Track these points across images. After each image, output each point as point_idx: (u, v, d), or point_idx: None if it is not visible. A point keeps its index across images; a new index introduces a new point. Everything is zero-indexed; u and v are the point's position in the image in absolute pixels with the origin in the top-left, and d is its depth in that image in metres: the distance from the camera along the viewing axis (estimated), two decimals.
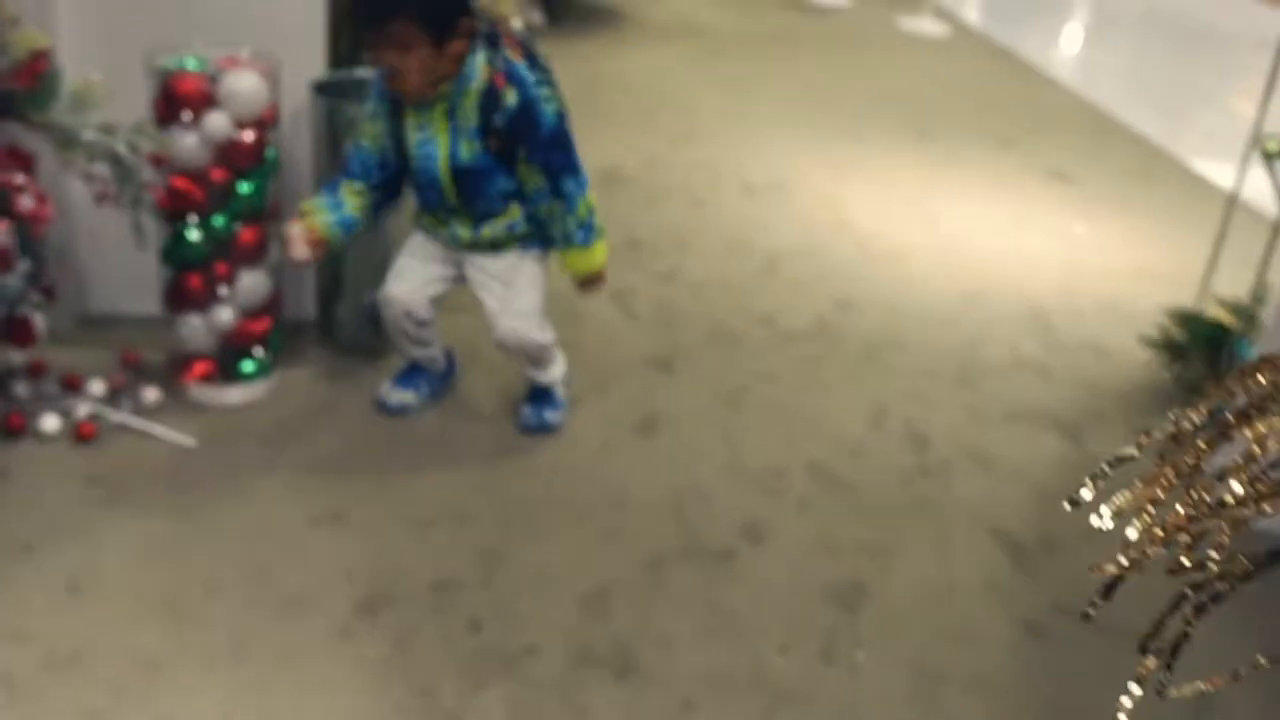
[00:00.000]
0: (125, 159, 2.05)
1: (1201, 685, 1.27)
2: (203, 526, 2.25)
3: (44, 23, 2.49)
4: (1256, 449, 1.16)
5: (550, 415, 2.68)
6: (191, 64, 2.41)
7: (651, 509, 2.44)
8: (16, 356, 2.52)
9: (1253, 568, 1.20)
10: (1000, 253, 3.97)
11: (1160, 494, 1.17)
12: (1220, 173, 5.02)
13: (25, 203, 2.01)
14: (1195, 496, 1.16)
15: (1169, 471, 1.19)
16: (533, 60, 2.31)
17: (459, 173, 2.33)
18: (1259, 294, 2.97)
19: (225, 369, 2.63)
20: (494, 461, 2.55)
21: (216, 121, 2.36)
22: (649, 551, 2.31)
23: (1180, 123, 6.05)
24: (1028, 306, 3.59)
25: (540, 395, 2.70)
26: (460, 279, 2.56)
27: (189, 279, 2.52)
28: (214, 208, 2.46)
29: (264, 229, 2.55)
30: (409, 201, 2.56)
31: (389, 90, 2.31)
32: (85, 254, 2.80)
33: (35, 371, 2.58)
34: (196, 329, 2.56)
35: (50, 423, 2.45)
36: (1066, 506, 1.24)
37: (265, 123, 2.45)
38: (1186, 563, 1.18)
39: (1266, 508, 1.13)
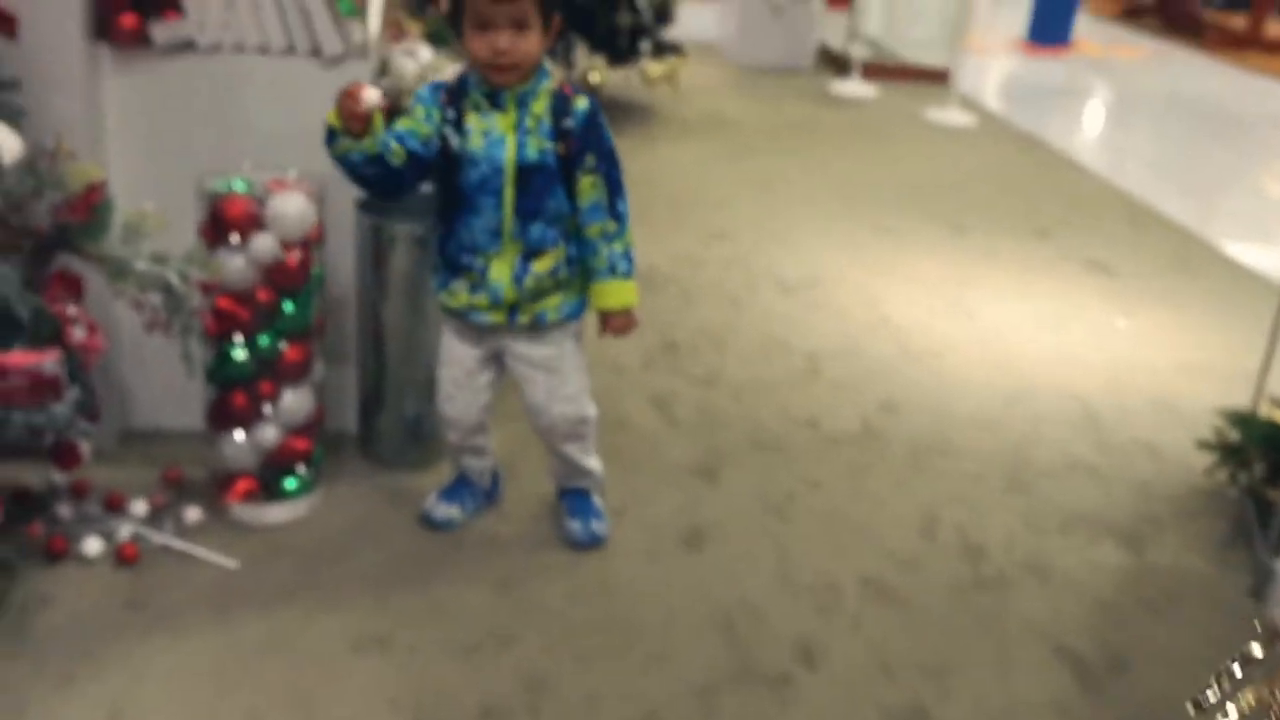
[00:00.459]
0: (176, 288, 2.05)
1: None
2: (245, 653, 2.21)
3: (96, 150, 2.54)
4: None
5: (598, 527, 2.64)
6: (239, 186, 2.43)
7: (701, 629, 2.39)
8: (60, 477, 2.51)
9: None
10: (1042, 348, 3.93)
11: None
12: (1254, 255, 4.99)
13: (77, 334, 2.01)
14: None
15: None
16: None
17: (525, 171, 2.27)
18: None
19: (268, 487, 2.61)
20: (539, 579, 2.50)
21: (263, 243, 2.37)
22: (700, 676, 2.25)
23: (1211, 206, 6.04)
24: (1075, 405, 3.53)
25: (583, 506, 2.66)
26: (503, 373, 2.54)
27: (233, 397, 2.52)
28: (259, 327, 2.46)
29: (308, 347, 2.54)
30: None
31: (453, 91, 2.29)
32: (129, 369, 2.81)
33: (78, 491, 2.56)
34: (240, 447, 2.55)
35: (93, 546, 2.43)
36: (1190, 710, 1.18)
37: (311, 242, 2.45)
38: None
39: None
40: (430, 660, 2.23)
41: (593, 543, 2.62)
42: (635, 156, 5.47)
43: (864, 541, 2.74)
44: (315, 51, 2.58)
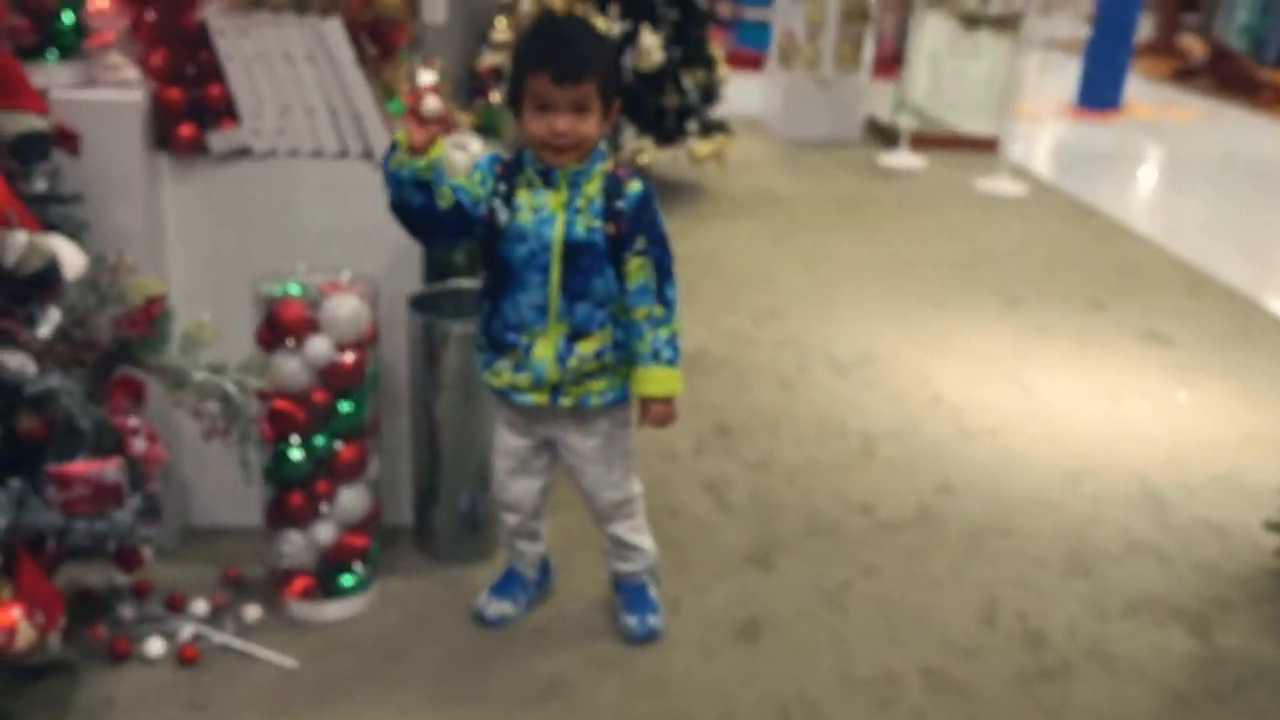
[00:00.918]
0: (234, 398, 2.09)
1: None
2: None
3: (155, 256, 2.61)
4: None
5: (654, 621, 2.62)
6: (294, 290, 2.48)
7: None
8: (123, 579, 2.55)
9: None
10: (1101, 424, 3.87)
11: None
12: None
13: (138, 445, 2.05)
14: None
15: None
16: None
17: (572, 249, 2.28)
18: None
19: (325, 584, 2.62)
20: (594, 674, 2.49)
21: (319, 346, 2.41)
22: None
23: (1271, 271, 5.95)
24: (1136, 483, 3.47)
25: (640, 600, 2.65)
26: (556, 459, 2.55)
27: (290, 496, 2.55)
28: (315, 427, 2.49)
29: (364, 445, 2.58)
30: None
31: (509, 166, 2.32)
32: (189, 468, 2.85)
33: (140, 592, 2.60)
34: (297, 546, 2.57)
35: (155, 647, 2.45)
36: None
37: (365, 343, 2.49)
38: None
39: None
40: None
41: (649, 638, 2.60)
42: (684, 235, 5.52)
43: (923, 630, 2.70)
44: (367, 154, 2.64)
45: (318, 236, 2.69)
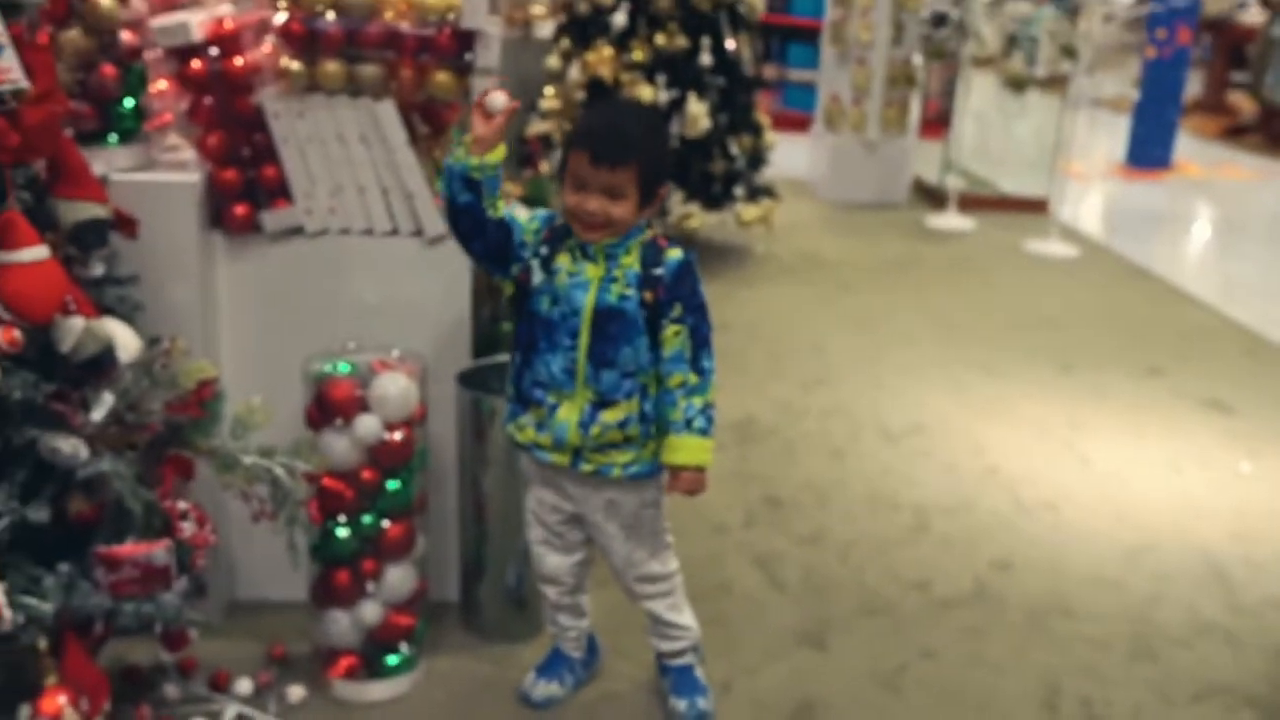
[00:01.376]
0: (283, 482, 2.08)
1: None
2: None
3: (208, 334, 2.63)
4: None
5: (703, 704, 2.56)
6: (344, 368, 2.48)
7: None
8: (168, 657, 2.54)
9: None
10: (1161, 496, 3.78)
11: None
12: None
13: (187, 529, 2.05)
14: None
15: None
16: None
17: (602, 315, 2.26)
18: None
19: (370, 663, 2.60)
20: None
21: (368, 424, 2.40)
22: None
23: None
24: (1201, 560, 3.37)
25: (688, 683, 2.59)
26: (588, 536, 2.52)
27: (337, 575, 2.53)
28: (363, 506, 2.48)
29: (411, 524, 2.56)
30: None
31: (556, 230, 2.31)
32: (236, 543, 2.84)
33: (185, 670, 2.59)
34: (343, 625, 2.55)
35: None
36: None
37: (414, 421, 2.48)
38: None
39: None
40: None
41: None
42: (730, 300, 5.50)
43: (982, 717, 2.62)
44: (418, 232, 2.65)
45: (368, 313, 2.69)
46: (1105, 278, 6.40)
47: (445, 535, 2.86)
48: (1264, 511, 3.69)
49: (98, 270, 2.21)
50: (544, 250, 2.31)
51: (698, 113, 5.55)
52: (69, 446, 1.94)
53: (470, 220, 2.26)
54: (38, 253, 1.91)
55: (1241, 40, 12.21)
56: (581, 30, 5.73)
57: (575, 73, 5.60)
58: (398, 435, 2.45)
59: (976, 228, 7.28)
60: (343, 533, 2.48)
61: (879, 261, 6.41)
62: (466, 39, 2.48)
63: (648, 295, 2.27)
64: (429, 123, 2.72)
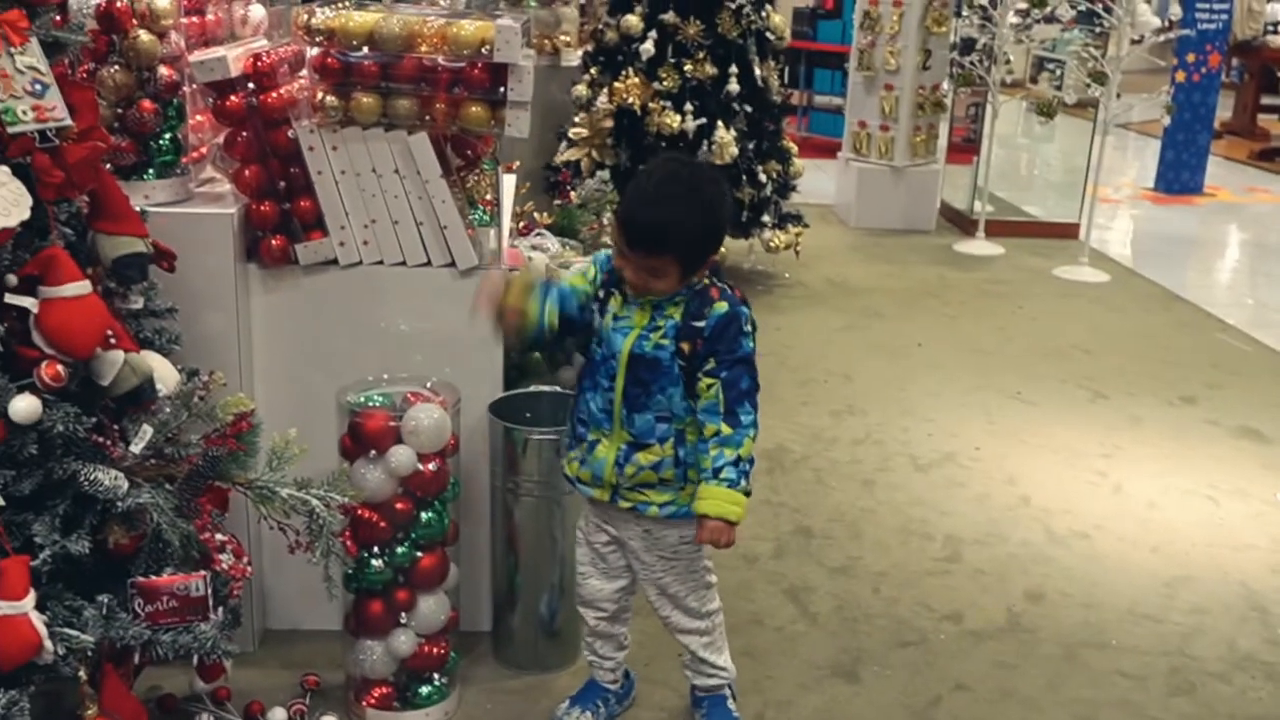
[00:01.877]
0: (320, 514, 2.09)
1: None
2: None
3: (243, 364, 2.65)
4: None
5: None
6: (377, 400, 2.49)
7: None
8: (203, 686, 2.55)
9: None
10: (1197, 526, 3.74)
11: None
12: None
13: (225, 560, 2.06)
14: None
15: None
16: (744, 302, 2.36)
17: (635, 361, 2.28)
18: None
19: (403, 694, 2.60)
20: None
21: (401, 456, 2.41)
22: None
23: None
24: (1239, 591, 3.33)
25: (720, 713, 2.58)
26: (632, 568, 2.52)
27: (370, 605, 2.54)
28: (396, 537, 2.49)
29: (444, 554, 2.56)
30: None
31: (613, 273, 2.34)
32: (269, 572, 2.86)
33: (220, 699, 2.59)
34: (376, 655, 2.55)
35: None
36: None
37: (447, 452, 2.49)
38: None
39: None
40: None
41: None
42: (760, 328, 5.46)
43: None
44: (451, 263, 2.67)
45: (401, 344, 2.71)
46: (1136, 304, 6.36)
47: (477, 565, 2.87)
48: None
49: (137, 303, 2.23)
50: (602, 293, 2.36)
51: (726, 140, 5.57)
52: (109, 479, 1.95)
53: (573, 329, 2.39)
54: (80, 288, 1.93)
55: (1272, 63, 12.15)
56: (610, 58, 5.77)
57: (603, 101, 5.63)
58: (431, 466, 2.46)
59: (1005, 253, 7.25)
60: (376, 563, 2.49)
61: (908, 287, 6.40)
62: (500, 72, 2.50)
63: (685, 346, 2.28)
64: (462, 155, 2.74)
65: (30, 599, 1.86)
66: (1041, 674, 2.90)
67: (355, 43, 2.50)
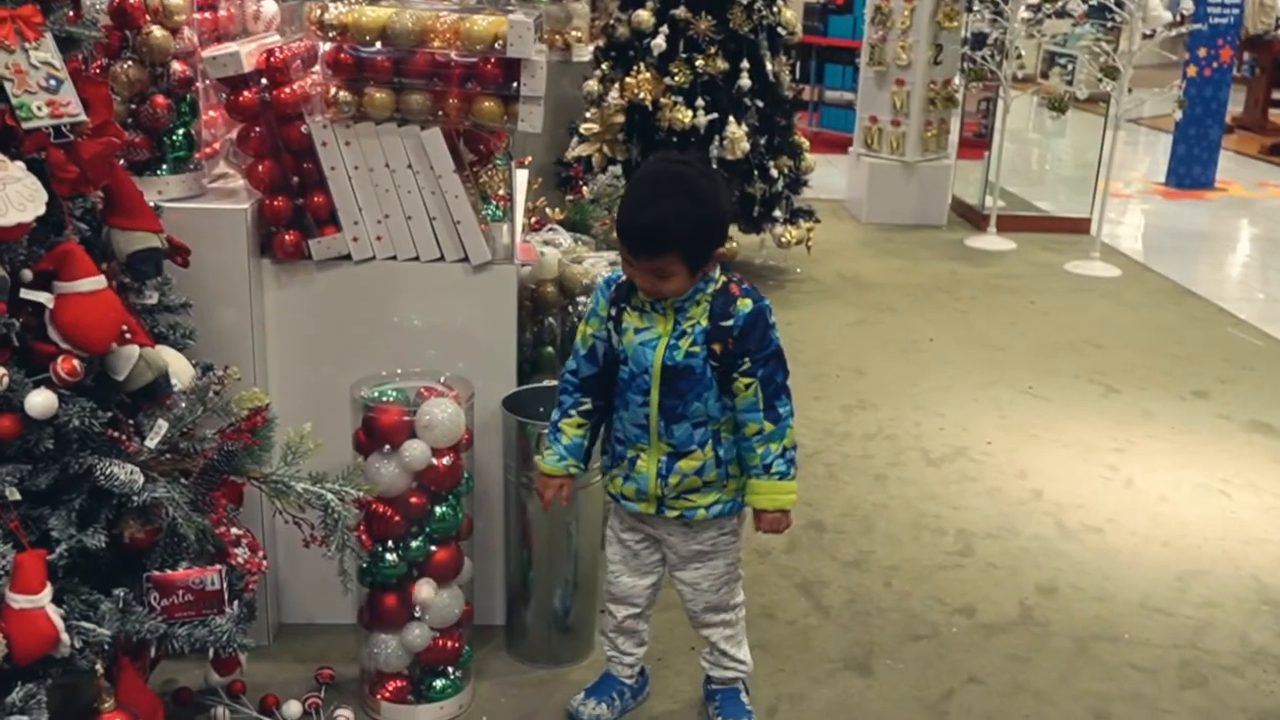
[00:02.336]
0: (335, 508, 2.10)
1: None
2: None
3: (257, 357, 2.66)
4: None
5: None
6: (391, 395, 2.50)
7: None
8: (218, 679, 2.56)
9: None
10: (1209, 520, 3.73)
11: None
12: None
13: (240, 555, 2.07)
14: None
15: None
16: (761, 295, 2.36)
17: (670, 373, 2.28)
18: None
19: (417, 688, 2.61)
20: None
21: (415, 450, 2.41)
22: None
23: None
24: (1251, 585, 3.33)
25: (734, 708, 2.59)
26: (664, 559, 2.54)
27: (384, 598, 2.54)
28: (410, 531, 2.49)
29: (458, 548, 2.57)
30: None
31: (621, 289, 2.36)
32: (283, 565, 2.87)
33: (235, 692, 2.61)
34: (390, 648, 2.56)
35: None
36: None
37: (461, 446, 2.50)
38: None
39: None
40: None
41: None
42: None
43: None
44: (464, 258, 2.67)
45: (414, 339, 2.72)
46: (1148, 298, 6.34)
47: (491, 559, 2.87)
48: None
49: (152, 298, 2.24)
50: (613, 312, 2.36)
51: (737, 135, 5.56)
52: (125, 473, 1.96)
53: (602, 417, 2.46)
54: (95, 283, 1.94)
55: None
56: (621, 53, 5.77)
57: (615, 96, 5.63)
58: (445, 461, 2.46)
59: (1016, 248, 7.24)
60: (391, 557, 2.50)
61: (919, 282, 6.39)
62: (513, 67, 2.50)
63: (716, 347, 2.29)
64: (475, 150, 2.74)
65: (47, 593, 1.88)
66: (1053, 667, 2.90)
67: (368, 38, 2.51)
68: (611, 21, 5.86)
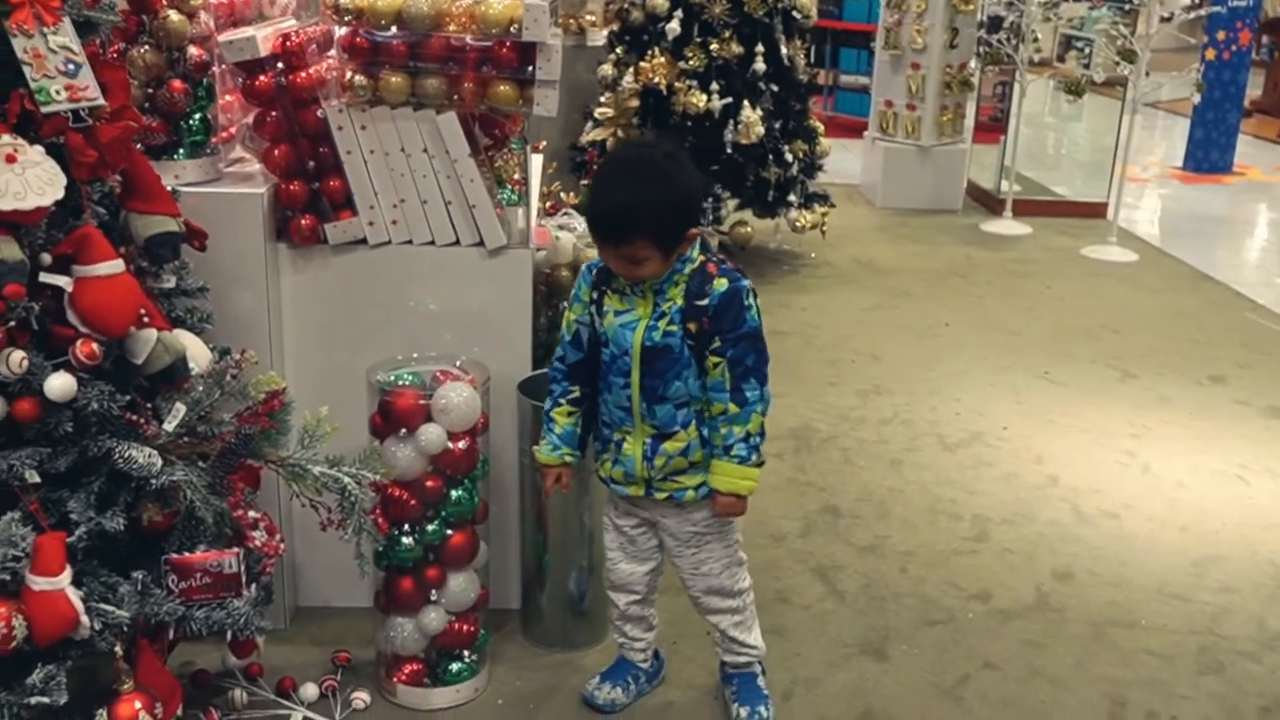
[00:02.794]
0: (352, 491, 2.11)
1: None
2: None
3: (273, 341, 2.67)
4: None
5: (765, 712, 2.56)
6: (407, 379, 2.51)
7: None
8: (235, 662, 2.57)
9: None
10: (1227, 506, 3.72)
11: None
12: None
13: (258, 538, 2.08)
14: None
15: None
16: (744, 275, 2.34)
17: (649, 354, 2.29)
18: None
19: (433, 671, 2.62)
20: None
21: (431, 434, 2.42)
22: None
23: None
24: (1269, 571, 3.31)
25: (750, 692, 2.59)
26: (661, 544, 2.53)
27: (400, 582, 2.55)
28: (426, 514, 2.50)
29: (474, 532, 2.58)
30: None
31: (602, 273, 2.36)
32: (300, 549, 2.88)
33: (252, 675, 2.62)
34: (407, 632, 2.57)
35: None
36: None
37: (477, 430, 2.50)
38: None
39: None
40: None
41: None
42: (785, 307, 5.49)
43: None
44: (479, 243, 2.67)
45: (430, 323, 2.72)
46: (1165, 283, 6.31)
47: (506, 544, 2.88)
48: None
49: (169, 282, 2.25)
50: (595, 295, 2.37)
51: (752, 120, 5.54)
52: (143, 456, 1.97)
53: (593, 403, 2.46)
54: (114, 266, 1.95)
55: None
56: (636, 38, 5.75)
57: (629, 80, 5.61)
58: (461, 445, 2.47)
59: (1032, 232, 7.21)
60: (407, 541, 2.51)
61: (934, 267, 6.37)
62: (528, 51, 2.50)
63: (691, 326, 2.28)
64: (490, 134, 2.74)
65: (67, 575, 1.89)
66: (1070, 653, 2.89)
67: (384, 22, 2.50)
68: (626, 5, 5.84)
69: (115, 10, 2.13)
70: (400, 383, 2.50)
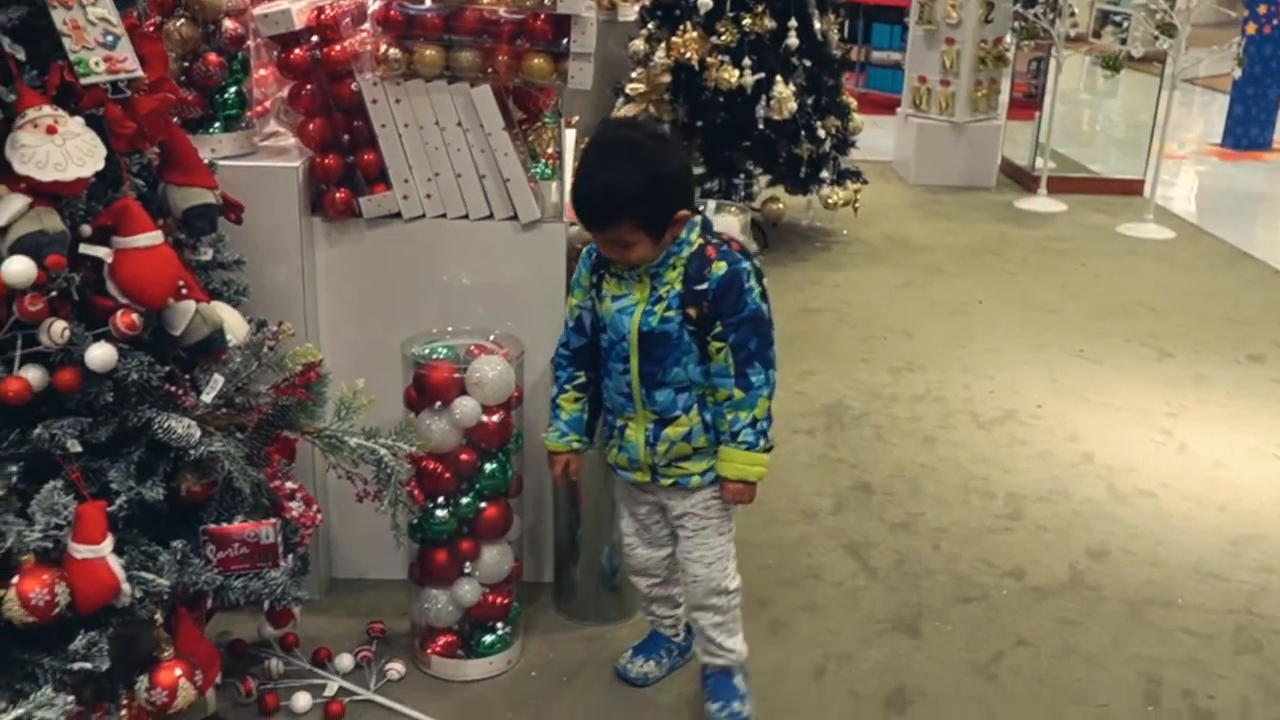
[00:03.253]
0: (388, 463, 2.11)
1: None
2: None
3: (308, 315, 2.68)
4: None
5: (740, 708, 2.48)
6: (441, 352, 2.51)
7: None
8: (272, 632, 2.60)
9: None
10: (1265, 485, 3.68)
11: None
12: None
13: (295, 508, 2.09)
14: None
15: None
16: (748, 256, 2.29)
17: (646, 339, 2.26)
18: None
19: (467, 643, 2.64)
20: None
21: (466, 407, 2.43)
22: None
23: None
24: None
25: (723, 687, 2.50)
26: (674, 536, 2.51)
27: (434, 554, 2.57)
28: (461, 487, 2.51)
29: (508, 505, 2.59)
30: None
31: (598, 263, 2.34)
32: (335, 520, 2.90)
33: (288, 645, 2.65)
34: (440, 604, 2.59)
35: (301, 701, 2.50)
36: None
37: (511, 404, 2.51)
38: None
39: None
40: None
41: None
42: (818, 284, 5.46)
43: (1080, 708, 2.58)
44: (513, 216, 2.67)
45: (463, 297, 2.73)
46: (1202, 261, 6.23)
47: (540, 517, 2.89)
48: None
49: (206, 255, 2.26)
50: (594, 279, 2.35)
51: (785, 95, 5.51)
52: (182, 427, 1.98)
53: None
54: (152, 238, 1.96)
55: None
56: (667, 12, 5.72)
57: (661, 56, 5.58)
58: (495, 418, 2.47)
59: (1067, 210, 7.14)
60: (441, 513, 2.52)
61: (968, 245, 6.32)
62: (563, 23, 2.49)
63: (691, 311, 2.24)
64: (524, 108, 2.73)
65: (108, 543, 1.91)
66: (1105, 631, 2.88)
67: None
68: None
69: None
70: (435, 356, 2.51)
